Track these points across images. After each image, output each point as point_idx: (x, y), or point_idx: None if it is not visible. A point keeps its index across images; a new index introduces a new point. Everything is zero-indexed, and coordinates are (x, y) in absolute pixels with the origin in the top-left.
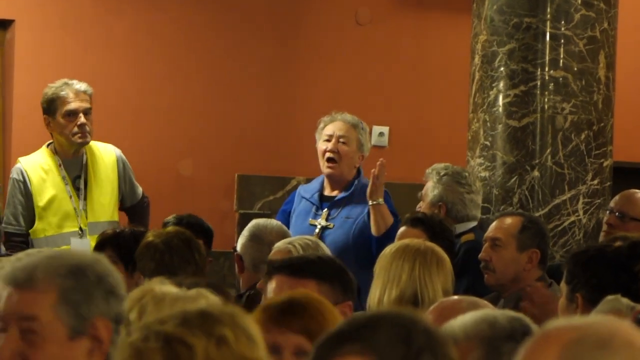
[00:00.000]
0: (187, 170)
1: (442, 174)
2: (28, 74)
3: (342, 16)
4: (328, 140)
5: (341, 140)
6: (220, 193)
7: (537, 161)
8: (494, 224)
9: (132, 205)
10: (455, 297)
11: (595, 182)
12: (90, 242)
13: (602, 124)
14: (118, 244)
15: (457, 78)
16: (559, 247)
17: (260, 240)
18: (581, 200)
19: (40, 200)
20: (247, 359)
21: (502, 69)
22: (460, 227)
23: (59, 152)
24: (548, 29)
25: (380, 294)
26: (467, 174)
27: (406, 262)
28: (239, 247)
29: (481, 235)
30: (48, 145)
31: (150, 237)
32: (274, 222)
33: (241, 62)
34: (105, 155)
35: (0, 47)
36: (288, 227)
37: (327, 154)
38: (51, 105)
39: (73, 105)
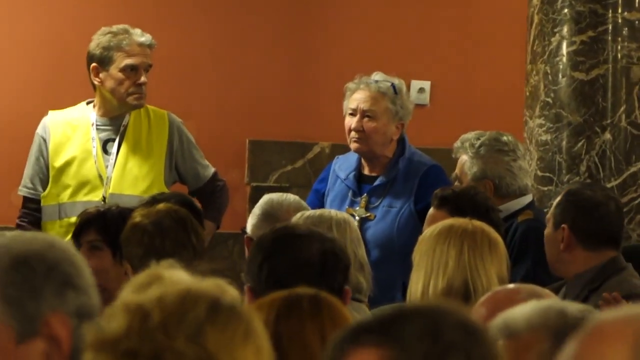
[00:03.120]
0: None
1: (477, 145)
2: None
3: None
4: (352, 114)
5: (367, 114)
6: (228, 162)
7: (608, 121)
8: None
9: (198, 189)
10: (512, 285)
11: None
12: None
13: None
14: (103, 226)
15: (511, 22)
16: (635, 224)
17: (275, 219)
18: None
19: (57, 160)
20: None
21: (565, 10)
22: (515, 204)
23: (100, 110)
24: None
25: (423, 285)
26: (507, 138)
27: (452, 246)
28: (249, 228)
29: (540, 212)
30: (88, 103)
31: (137, 217)
32: (291, 198)
33: (254, 5)
34: (155, 120)
35: None
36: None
37: (352, 133)
38: (107, 55)
39: (136, 59)
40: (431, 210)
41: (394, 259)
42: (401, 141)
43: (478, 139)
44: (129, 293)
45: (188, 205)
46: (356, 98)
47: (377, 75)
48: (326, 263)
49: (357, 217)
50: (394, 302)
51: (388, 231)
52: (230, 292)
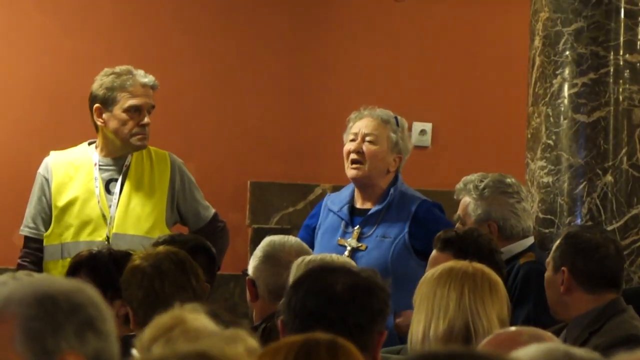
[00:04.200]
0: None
1: (481, 187)
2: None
3: None
4: (353, 140)
5: (367, 138)
6: (229, 204)
7: (610, 163)
8: None
9: (198, 230)
10: (514, 328)
11: None
12: None
13: None
14: (94, 268)
15: (514, 64)
16: (637, 266)
17: (277, 261)
18: None
19: (59, 200)
20: None
21: (567, 52)
22: (517, 247)
23: (102, 151)
24: (623, 4)
25: (424, 328)
26: (510, 180)
27: (453, 289)
28: (250, 270)
29: (542, 254)
30: (90, 144)
31: (137, 260)
32: (293, 240)
33: (255, 45)
34: (157, 160)
35: None
36: (312, 247)
37: (351, 155)
38: (110, 95)
39: (140, 100)
40: (434, 253)
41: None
42: (395, 177)
43: (482, 180)
44: (151, 334)
45: (204, 249)
46: (358, 125)
47: (377, 109)
48: (355, 297)
49: (348, 247)
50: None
51: (382, 260)
52: (249, 342)
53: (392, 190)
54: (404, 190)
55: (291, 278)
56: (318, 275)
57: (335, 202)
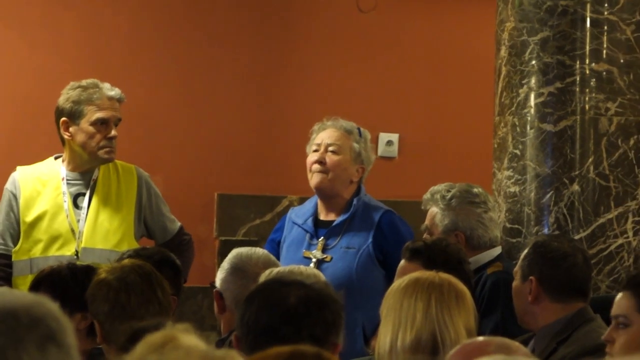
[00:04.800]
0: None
1: (449, 197)
2: None
3: (342, 2)
4: (316, 151)
5: (330, 148)
6: (196, 216)
7: (577, 172)
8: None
9: (165, 243)
10: (481, 338)
11: None
12: None
13: None
14: (53, 283)
15: (480, 74)
16: (604, 275)
17: (244, 273)
18: (630, 219)
19: (28, 215)
20: None
21: (533, 62)
22: (485, 257)
23: (69, 165)
24: (588, 14)
25: (391, 339)
26: (477, 190)
27: (419, 300)
28: (218, 282)
29: (509, 264)
30: (57, 158)
31: (102, 273)
32: (260, 252)
33: (221, 57)
34: (123, 174)
35: None
36: (278, 259)
37: (314, 166)
38: (77, 108)
39: (106, 113)
40: (402, 263)
41: (354, 299)
42: (358, 188)
43: (449, 190)
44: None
45: (169, 262)
46: (321, 135)
47: (340, 120)
48: (308, 310)
49: (313, 259)
50: (356, 343)
51: (347, 271)
52: None
53: (355, 201)
54: (367, 200)
55: None
56: (270, 289)
57: (299, 215)
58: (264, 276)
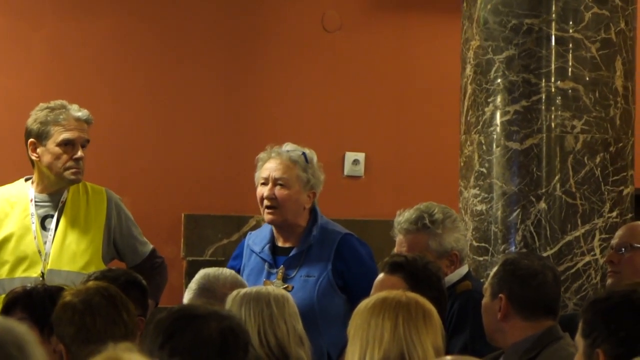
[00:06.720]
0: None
1: (439, 220)
2: None
3: (307, 22)
4: (264, 184)
5: (279, 182)
6: (164, 236)
7: (543, 190)
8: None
9: (136, 266)
10: (449, 357)
11: (614, 214)
12: None
13: (621, 144)
14: (28, 304)
15: (445, 93)
16: (571, 293)
17: (212, 294)
18: (597, 237)
19: None
20: None
21: (499, 80)
22: (454, 276)
23: (38, 186)
24: (553, 32)
25: (359, 358)
26: (451, 211)
27: (387, 319)
28: (185, 302)
29: (478, 282)
30: (27, 180)
31: (67, 296)
32: (227, 272)
33: (188, 79)
34: (93, 196)
35: None
36: None
37: (265, 202)
38: (44, 129)
39: (73, 134)
40: (381, 276)
41: (317, 328)
42: (313, 211)
43: (431, 215)
44: None
45: (135, 283)
46: (268, 167)
47: (287, 146)
48: (226, 341)
49: None
50: None
51: (308, 300)
52: None
53: (314, 230)
54: (324, 225)
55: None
56: (186, 322)
57: (256, 242)
58: (230, 297)
